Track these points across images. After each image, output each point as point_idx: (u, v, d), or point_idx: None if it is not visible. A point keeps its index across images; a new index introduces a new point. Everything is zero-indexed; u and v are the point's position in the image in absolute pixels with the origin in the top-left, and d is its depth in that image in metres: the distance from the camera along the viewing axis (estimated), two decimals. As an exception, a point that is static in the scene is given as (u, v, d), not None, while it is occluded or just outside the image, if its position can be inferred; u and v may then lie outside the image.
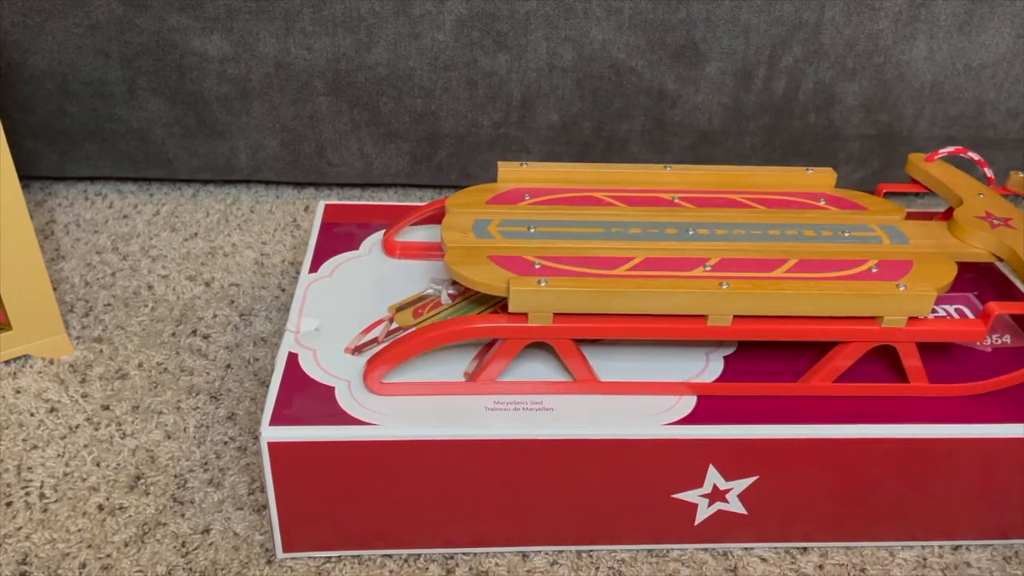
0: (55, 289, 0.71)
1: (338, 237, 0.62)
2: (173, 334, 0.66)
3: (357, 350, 0.51)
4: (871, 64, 0.78)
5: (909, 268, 0.49)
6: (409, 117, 0.80)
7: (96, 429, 0.57)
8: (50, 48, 0.75)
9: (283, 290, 0.72)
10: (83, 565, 0.49)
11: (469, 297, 0.56)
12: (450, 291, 0.56)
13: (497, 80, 0.78)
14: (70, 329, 0.66)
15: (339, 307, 0.55)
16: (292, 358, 0.50)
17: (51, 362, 0.63)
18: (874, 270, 0.48)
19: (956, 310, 0.57)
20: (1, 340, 0.61)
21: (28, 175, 0.84)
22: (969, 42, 0.77)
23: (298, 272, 0.75)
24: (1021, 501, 0.51)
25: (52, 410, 0.59)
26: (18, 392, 0.60)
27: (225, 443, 0.57)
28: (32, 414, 0.58)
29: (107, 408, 0.59)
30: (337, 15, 0.74)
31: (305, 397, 0.47)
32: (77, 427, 0.58)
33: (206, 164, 0.83)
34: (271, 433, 0.45)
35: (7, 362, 0.62)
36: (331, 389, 0.48)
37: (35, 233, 0.61)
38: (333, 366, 0.50)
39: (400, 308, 0.55)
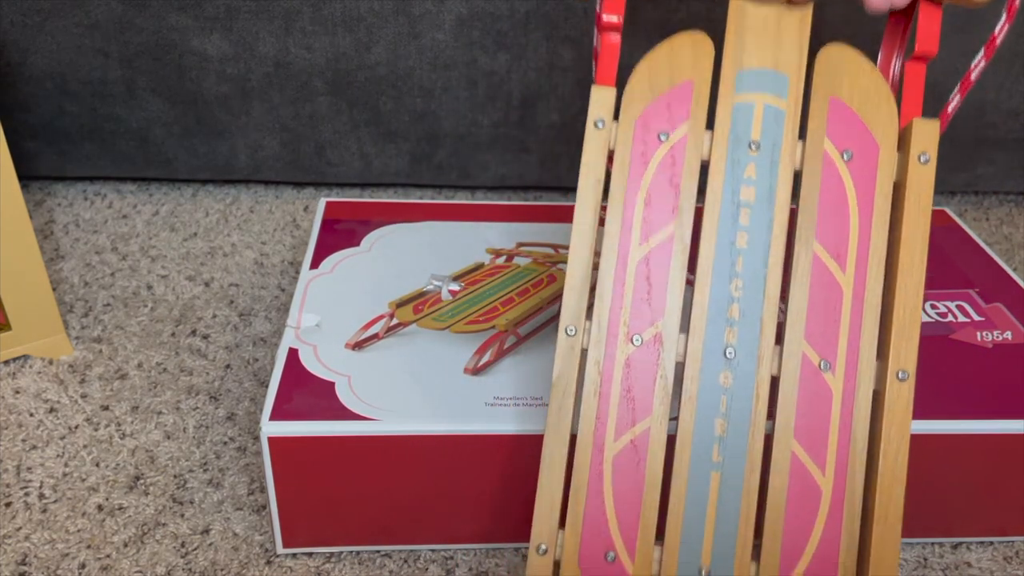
0: (54, 289, 0.71)
1: (339, 234, 0.62)
2: (172, 334, 0.66)
3: (357, 345, 0.51)
4: (871, 64, 0.78)
5: None
6: (409, 117, 0.80)
7: (95, 429, 0.57)
8: (49, 48, 0.75)
9: (283, 290, 0.72)
10: (82, 566, 0.49)
11: (471, 294, 0.56)
12: (451, 287, 0.56)
13: (497, 80, 0.78)
14: (69, 329, 0.66)
15: (340, 303, 0.55)
16: (292, 354, 0.50)
17: (50, 362, 0.63)
18: None
19: (958, 307, 0.57)
20: (0, 340, 0.61)
21: (27, 175, 0.84)
22: (970, 41, 0.77)
23: (298, 272, 0.74)
24: (1021, 498, 0.51)
25: (51, 410, 0.59)
26: (17, 392, 0.60)
27: (225, 443, 0.57)
28: (31, 414, 0.58)
29: (106, 408, 0.59)
30: (337, 15, 0.74)
31: (305, 392, 0.48)
32: (76, 427, 0.57)
33: (205, 164, 0.83)
34: (271, 428, 0.45)
35: (6, 362, 0.62)
36: (331, 384, 0.48)
37: (34, 233, 0.61)
38: (333, 361, 0.50)
39: (400, 304, 0.55)
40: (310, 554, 0.50)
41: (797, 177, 0.41)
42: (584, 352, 0.40)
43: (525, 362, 0.51)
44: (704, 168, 0.42)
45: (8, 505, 0.52)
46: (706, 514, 0.39)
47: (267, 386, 0.61)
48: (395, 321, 0.53)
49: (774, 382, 0.40)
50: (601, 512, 0.40)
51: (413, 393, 0.48)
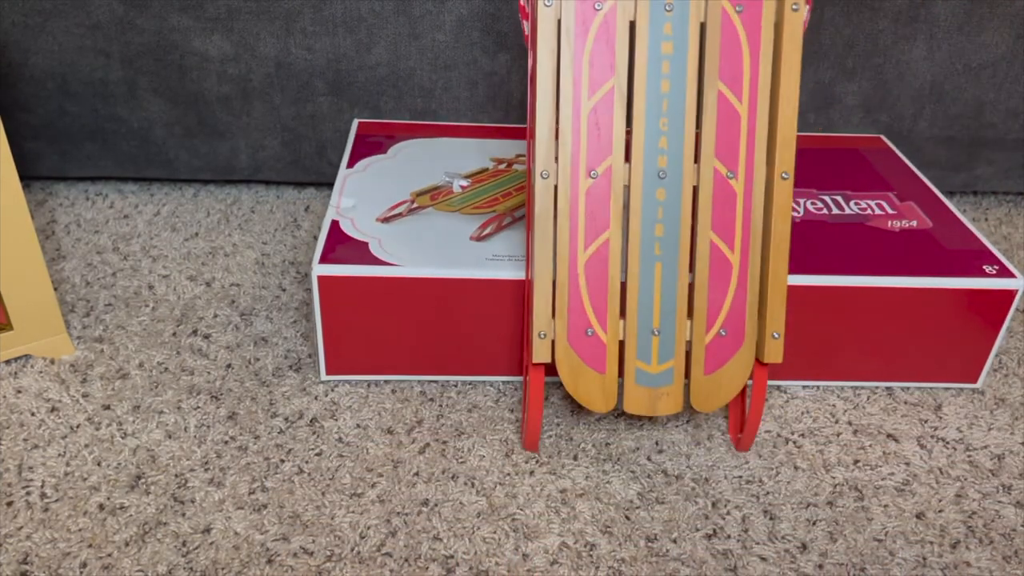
0: (56, 289, 0.71)
1: (370, 144, 0.74)
2: (174, 334, 0.67)
3: (386, 220, 0.63)
4: (871, 64, 0.78)
5: None
6: (409, 117, 0.80)
7: (97, 429, 0.58)
8: (51, 48, 0.75)
9: (284, 290, 0.72)
10: (84, 565, 0.49)
11: (477, 188, 0.68)
12: (461, 183, 0.69)
13: (497, 80, 0.78)
14: (71, 329, 0.66)
15: (371, 192, 0.67)
16: (334, 224, 0.62)
17: (52, 362, 0.63)
18: None
19: (876, 204, 0.68)
20: (2, 340, 0.61)
21: (29, 175, 0.84)
22: (969, 42, 0.77)
23: (299, 272, 0.75)
24: (945, 346, 0.62)
25: (53, 410, 0.59)
26: (19, 392, 0.60)
27: (226, 443, 0.57)
28: (33, 414, 0.58)
29: (108, 408, 0.59)
30: (337, 15, 0.74)
31: (345, 248, 0.60)
32: (78, 427, 0.58)
33: (207, 164, 0.83)
34: (320, 269, 0.57)
35: (8, 362, 0.62)
36: (365, 244, 0.60)
37: (36, 233, 0.61)
38: (367, 229, 0.62)
39: (420, 193, 0.67)
40: (311, 553, 0.50)
41: (703, 29, 0.51)
42: (555, 189, 0.51)
43: (517, 235, 0.63)
44: (632, 28, 0.51)
45: (10, 504, 0.52)
46: (654, 292, 0.53)
47: (268, 386, 0.62)
48: (415, 204, 0.66)
49: (695, 192, 0.52)
50: (580, 302, 0.52)
51: (428, 250, 0.60)
